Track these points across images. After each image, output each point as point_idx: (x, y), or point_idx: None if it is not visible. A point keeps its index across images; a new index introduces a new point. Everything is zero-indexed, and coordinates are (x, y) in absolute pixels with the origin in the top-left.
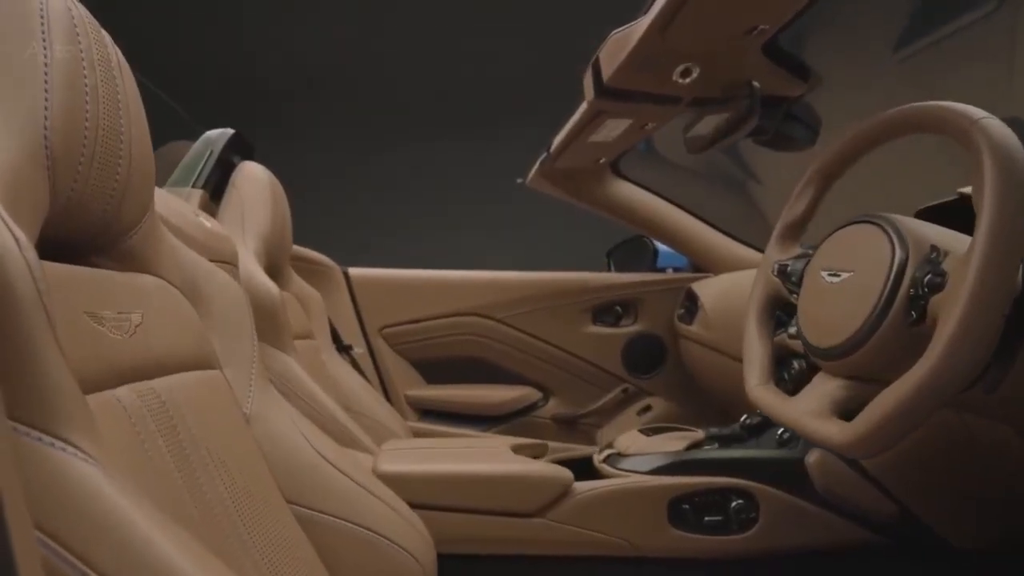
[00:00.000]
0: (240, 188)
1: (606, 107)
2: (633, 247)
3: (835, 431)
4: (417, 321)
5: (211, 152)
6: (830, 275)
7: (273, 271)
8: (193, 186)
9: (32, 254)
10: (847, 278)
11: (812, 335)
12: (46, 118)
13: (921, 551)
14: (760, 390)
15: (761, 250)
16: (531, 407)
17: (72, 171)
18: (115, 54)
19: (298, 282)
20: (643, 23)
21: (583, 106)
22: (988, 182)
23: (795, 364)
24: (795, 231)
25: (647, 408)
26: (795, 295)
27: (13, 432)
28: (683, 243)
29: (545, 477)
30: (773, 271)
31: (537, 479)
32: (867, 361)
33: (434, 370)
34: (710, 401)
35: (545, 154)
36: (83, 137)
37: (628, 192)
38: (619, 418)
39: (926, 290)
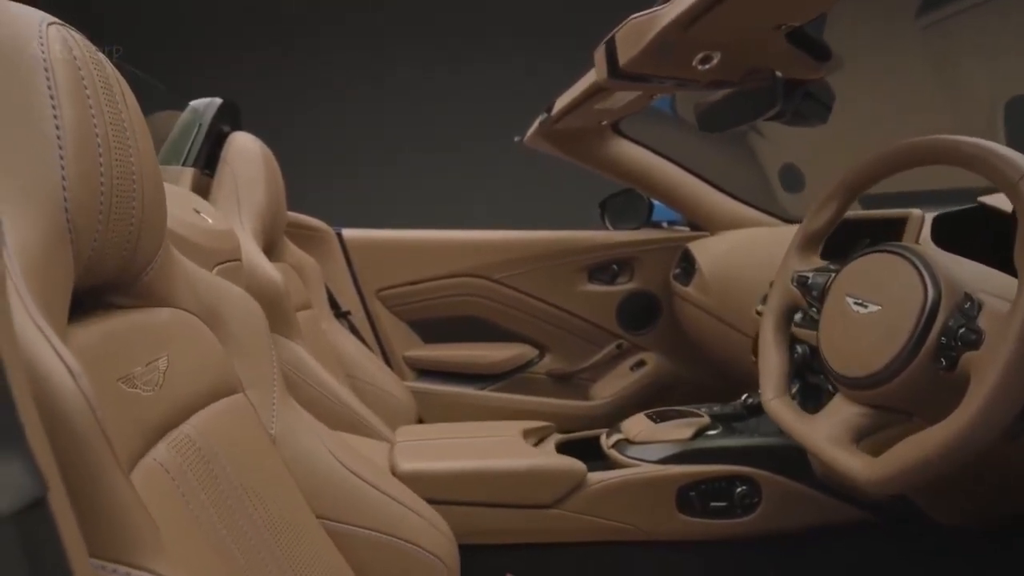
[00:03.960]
0: (232, 164)
1: (617, 86)
2: (628, 198)
3: (857, 467)
4: (413, 283)
5: (200, 125)
6: (856, 303)
7: (270, 245)
8: (184, 163)
9: (85, 382)
10: (875, 311)
11: (835, 361)
12: (64, 188)
13: (910, 528)
14: (776, 404)
15: (758, 208)
16: (527, 364)
17: (92, 232)
18: (116, 80)
19: (293, 251)
20: (665, 15)
21: (590, 76)
22: None
23: (798, 349)
24: (816, 242)
25: (641, 363)
26: (814, 308)
27: (95, 570)
28: (681, 202)
29: (561, 471)
30: (792, 281)
31: (553, 473)
32: (891, 396)
33: (430, 329)
34: (703, 358)
35: (545, 115)
36: (99, 194)
37: (628, 151)
38: (613, 373)
39: (959, 343)
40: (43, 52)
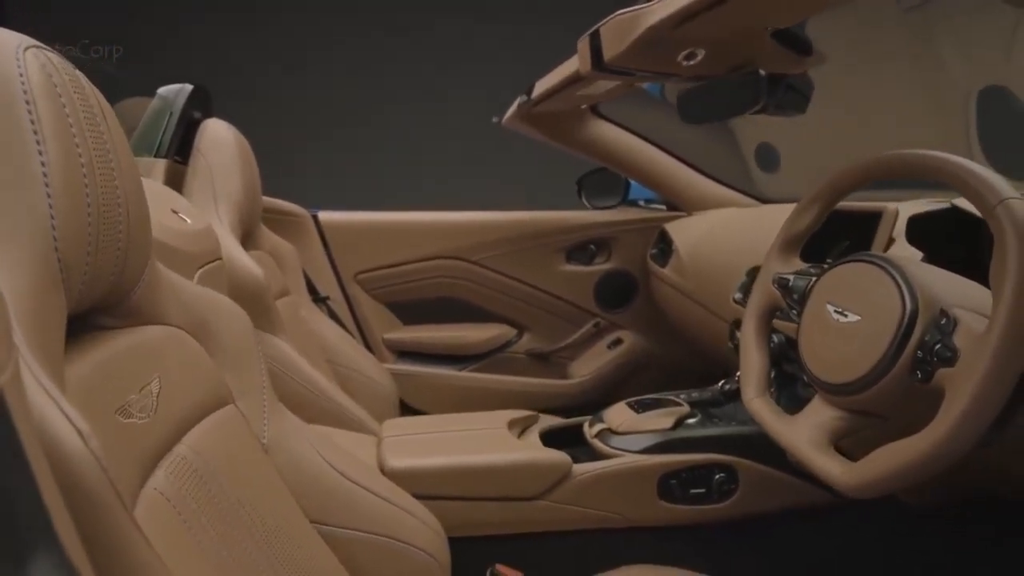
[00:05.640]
0: (206, 154)
1: (600, 78)
2: (604, 176)
3: (837, 471)
4: (392, 266)
5: (171, 114)
6: (836, 311)
7: (247, 234)
8: (156, 154)
9: (95, 443)
10: (855, 321)
11: (815, 366)
12: (54, 227)
13: (880, 509)
14: (758, 403)
15: (734, 188)
16: (506, 344)
17: (81, 266)
18: (96, 100)
19: (270, 238)
20: (654, 13)
21: (571, 63)
22: (1011, 269)
23: (774, 339)
24: (797, 244)
25: (618, 341)
26: (795, 311)
27: None
28: (659, 183)
29: (548, 464)
30: (773, 282)
31: (540, 466)
32: (868, 403)
33: (409, 311)
34: (679, 337)
35: (525, 98)
36: (87, 225)
37: (607, 133)
38: (590, 352)
39: (935, 359)
40: (23, 84)
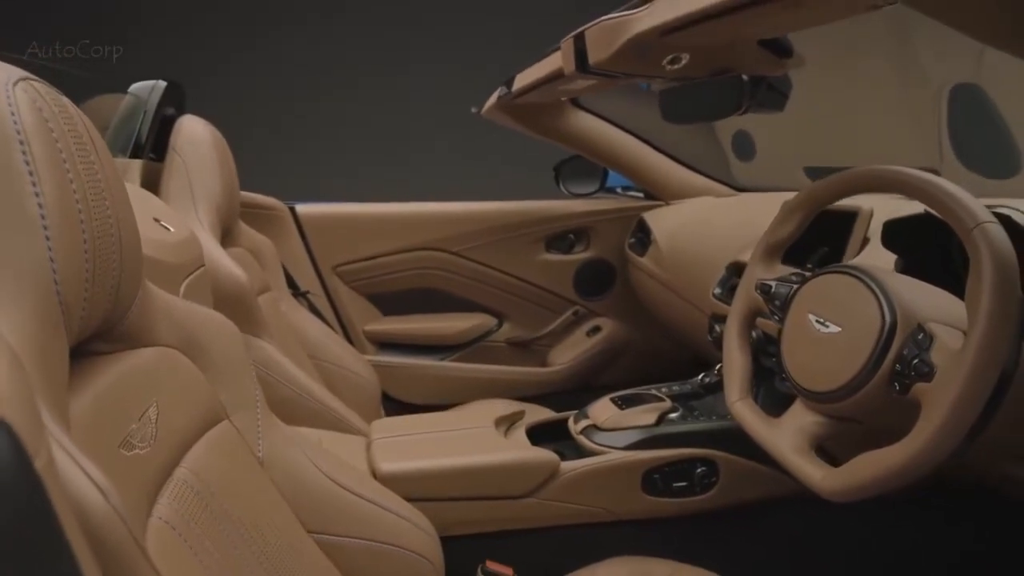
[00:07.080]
0: (183, 153)
1: (583, 79)
2: (582, 163)
3: (817, 477)
4: (371, 258)
5: (145, 112)
6: (818, 321)
7: (226, 233)
8: (132, 154)
9: (116, 498)
10: (836, 332)
11: (796, 373)
12: (54, 271)
13: None
14: (741, 406)
15: (711, 177)
16: (486, 333)
17: (80, 302)
18: (85, 127)
19: (248, 234)
20: (642, 20)
21: (554, 60)
22: (986, 291)
23: (753, 334)
24: (779, 251)
25: (596, 329)
26: (776, 317)
27: None
28: (637, 173)
29: (536, 463)
30: (756, 288)
31: (529, 465)
32: (847, 410)
33: (389, 302)
34: (657, 324)
35: (505, 90)
36: (84, 261)
37: (586, 123)
38: (569, 339)
39: (912, 373)
40: (16, 123)
